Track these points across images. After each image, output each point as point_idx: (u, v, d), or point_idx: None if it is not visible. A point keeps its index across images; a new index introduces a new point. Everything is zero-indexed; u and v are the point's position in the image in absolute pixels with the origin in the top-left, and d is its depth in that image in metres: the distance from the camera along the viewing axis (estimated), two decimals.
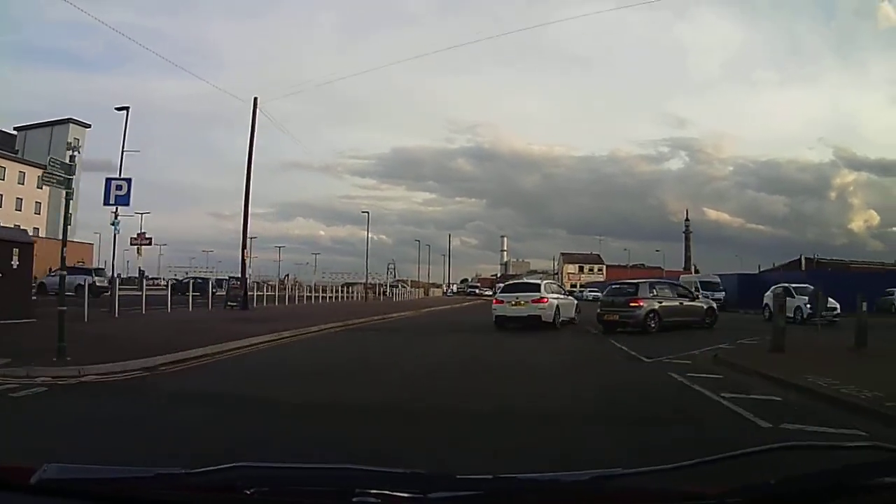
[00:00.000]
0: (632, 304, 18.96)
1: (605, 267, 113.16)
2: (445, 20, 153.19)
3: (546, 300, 20.22)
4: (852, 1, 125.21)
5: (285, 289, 42.61)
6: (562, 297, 22.65)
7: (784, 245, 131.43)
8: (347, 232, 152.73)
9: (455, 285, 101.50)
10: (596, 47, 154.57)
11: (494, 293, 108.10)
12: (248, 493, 1.40)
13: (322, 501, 1.46)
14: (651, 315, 18.74)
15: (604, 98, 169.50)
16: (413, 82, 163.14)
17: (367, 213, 63.20)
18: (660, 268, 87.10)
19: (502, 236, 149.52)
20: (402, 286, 69.01)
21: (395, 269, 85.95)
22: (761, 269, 55.53)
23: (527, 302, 20.15)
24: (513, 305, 20.43)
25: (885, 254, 60.13)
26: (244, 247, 28.66)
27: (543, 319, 19.71)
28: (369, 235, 62.20)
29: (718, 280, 43.51)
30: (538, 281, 23.03)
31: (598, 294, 67.94)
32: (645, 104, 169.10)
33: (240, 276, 29.52)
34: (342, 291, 52.08)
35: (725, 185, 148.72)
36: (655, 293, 19.67)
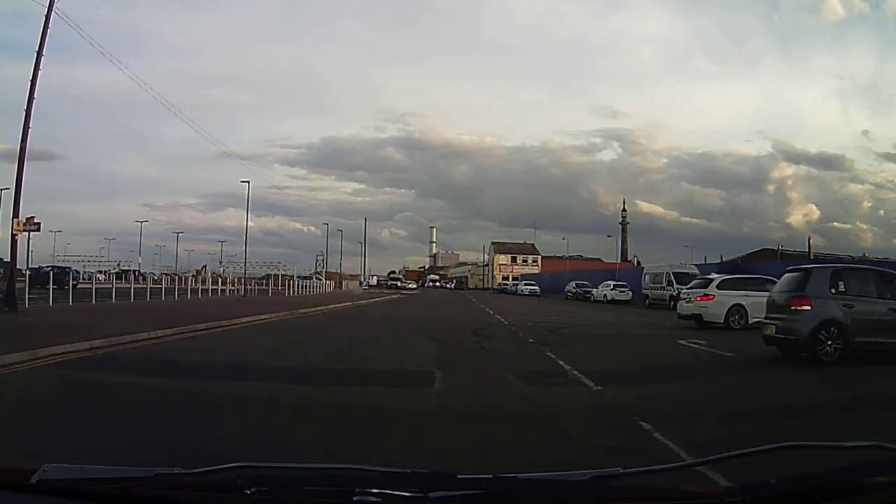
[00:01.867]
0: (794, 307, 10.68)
1: (540, 258, 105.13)
2: (377, 8, 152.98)
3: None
4: None
5: (184, 281, 37.13)
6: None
7: (719, 239, 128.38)
8: (277, 223, 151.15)
9: (376, 277, 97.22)
10: (530, 37, 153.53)
11: (421, 286, 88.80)
12: (248, 492, 1.40)
13: (322, 501, 1.46)
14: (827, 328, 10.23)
15: (537, 88, 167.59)
16: (345, 70, 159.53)
17: (248, 182, 48.74)
18: (599, 259, 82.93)
19: (431, 227, 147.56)
20: (316, 278, 61.71)
21: (324, 260, 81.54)
22: (707, 262, 51.03)
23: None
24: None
25: (825, 249, 58.57)
26: (15, 219, 17.87)
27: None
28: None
29: (696, 271, 35.77)
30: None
31: (536, 288, 64.10)
32: (579, 95, 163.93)
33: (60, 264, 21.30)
34: (254, 285, 47.27)
35: (659, 178, 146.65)
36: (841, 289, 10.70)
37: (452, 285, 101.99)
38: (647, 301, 36.72)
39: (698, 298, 17.99)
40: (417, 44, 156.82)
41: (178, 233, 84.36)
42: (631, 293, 42.08)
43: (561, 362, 9.97)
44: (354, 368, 9.68)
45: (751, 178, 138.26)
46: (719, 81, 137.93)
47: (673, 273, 35.31)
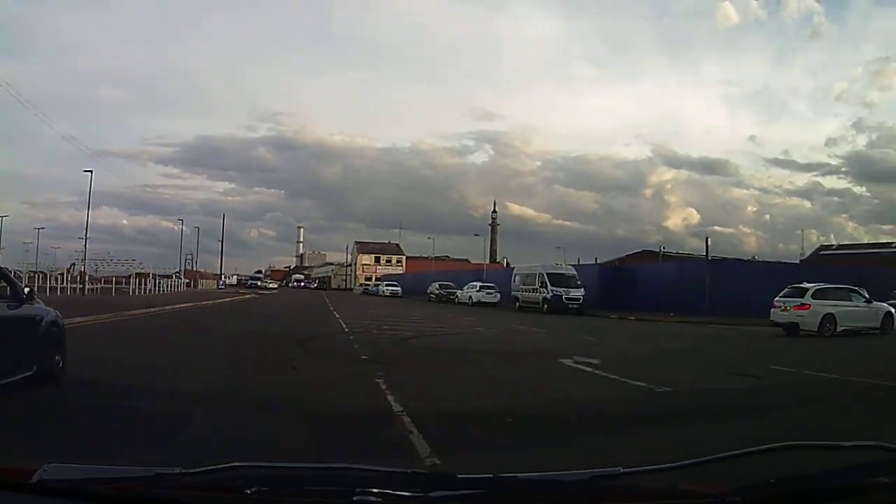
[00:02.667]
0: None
1: (404, 258, 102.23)
2: (253, 7, 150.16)
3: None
4: (691, 0, 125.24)
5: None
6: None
7: (592, 241, 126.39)
8: (149, 222, 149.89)
9: (237, 277, 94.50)
10: (408, 38, 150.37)
11: (285, 285, 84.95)
12: (248, 492, 1.40)
13: (323, 501, 1.46)
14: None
15: (412, 89, 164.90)
16: (220, 68, 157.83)
17: (91, 171, 45.71)
18: (467, 260, 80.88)
19: (299, 227, 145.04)
20: (176, 277, 58.94)
21: (194, 260, 79.12)
22: (580, 263, 48.04)
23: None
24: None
25: (703, 252, 57.24)
26: None
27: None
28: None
29: (574, 272, 34.21)
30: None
31: (398, 289, 61.20)
32: (455, 97, 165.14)
33: None
34: (101, 284, 43.67)
35: (532, 181, 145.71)
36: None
37: (315, 285, 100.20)
38: (518, 304, 34.26)
39: (795, 308, 18.19)
40: (293, 42, 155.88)
41: (39, 228, 78.47)
42: (499, 295, 39.67)
43: (390, 398, 6.69)
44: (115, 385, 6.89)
45: (628, 181, 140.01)
46: (600, 85, 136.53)
47: (547, 274, 32.71)
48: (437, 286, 49.54)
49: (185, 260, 77.40)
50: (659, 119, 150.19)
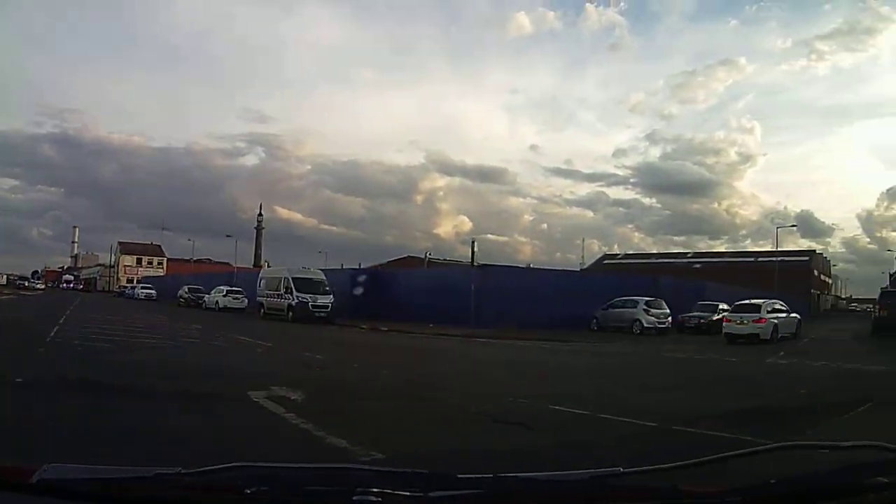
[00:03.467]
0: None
1: (165, 260, 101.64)
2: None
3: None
4: (484, 8, 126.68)
5: None
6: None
7: (360, 247, 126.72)
8: None
9: (7, 276, 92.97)
10: (187, 38, 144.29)
11: (56, 286, 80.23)
12: (248, 492, 1.40)
13: (322, 501, 1.46)
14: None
15: (189, 89, 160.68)
16: (6, 60, 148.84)
17: None
18: (229, 263, 76.62)
19: (74, 227, 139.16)
20: None
21: None
22: (343, 267, 46.72)
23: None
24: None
25: (479, 259, 54.93)
26: None
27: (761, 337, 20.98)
28: None
29: (323, 277, 31.32)
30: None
31: (153, 292, 57.76)
32: (231, 99, 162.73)
33: None
34: None
35: (301, 184, 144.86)
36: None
37: (82, 286, 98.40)
38: (262, 310, 31.92)
39: (754, 321, 21.52)
40: (79, 38, 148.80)
41: None
42: (246, 300, 36.64)
43: None
44: None
45: (398, 187, 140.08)
46: (379, 90, 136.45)
47: (293, 278, 29.89)
48: (187, 290, 46.73)
49: None
50: (437, 126, 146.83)
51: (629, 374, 13.42)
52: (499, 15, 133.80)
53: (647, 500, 1.51)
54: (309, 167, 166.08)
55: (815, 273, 79.91)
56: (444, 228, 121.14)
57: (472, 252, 32.62)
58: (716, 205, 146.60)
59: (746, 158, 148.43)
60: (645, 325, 25.16)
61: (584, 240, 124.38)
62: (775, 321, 21.77)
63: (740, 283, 42.93)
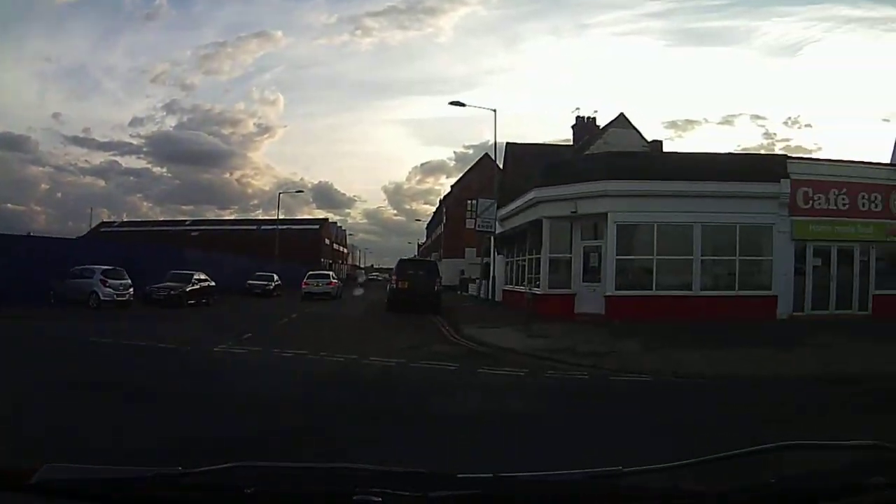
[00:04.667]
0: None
1: None
2: None
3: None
4: None
5: None
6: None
7: None
8: None
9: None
10: None
11: None
12: (248, 492, 1.40)
13: (323, 500, 1.46)
14: None
15: None
16: None
17: None
18: None
19: None
20: None
21: None
22: None
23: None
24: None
25: None
26: None
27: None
28: None
29: None
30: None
31: None
32: None
33: None
34: None
35: None
36: None
37: None
38: None
39: (330, 284, 33.33)
40: None
41: None
42: None
43: None
44: None
45: None
46: None
47: None
48: None
49: None
50: None
51: None
52: None
53: (648, 499, 1.51)
54: None
55: (328, 242, 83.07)
56: None
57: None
58: (227, 175, 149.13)
59: (265, 130, 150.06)
60: (102, 297, 22.36)
61: (92, 209, 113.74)
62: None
63: (247, 253, 45.12)
